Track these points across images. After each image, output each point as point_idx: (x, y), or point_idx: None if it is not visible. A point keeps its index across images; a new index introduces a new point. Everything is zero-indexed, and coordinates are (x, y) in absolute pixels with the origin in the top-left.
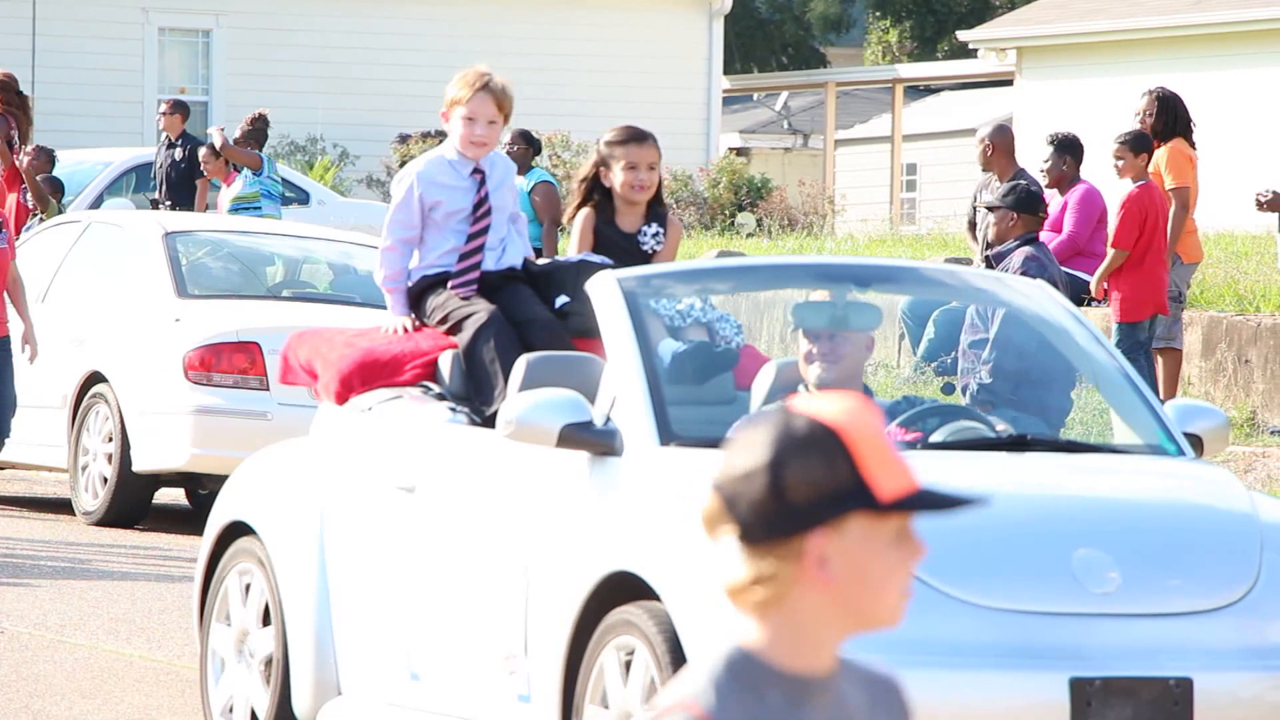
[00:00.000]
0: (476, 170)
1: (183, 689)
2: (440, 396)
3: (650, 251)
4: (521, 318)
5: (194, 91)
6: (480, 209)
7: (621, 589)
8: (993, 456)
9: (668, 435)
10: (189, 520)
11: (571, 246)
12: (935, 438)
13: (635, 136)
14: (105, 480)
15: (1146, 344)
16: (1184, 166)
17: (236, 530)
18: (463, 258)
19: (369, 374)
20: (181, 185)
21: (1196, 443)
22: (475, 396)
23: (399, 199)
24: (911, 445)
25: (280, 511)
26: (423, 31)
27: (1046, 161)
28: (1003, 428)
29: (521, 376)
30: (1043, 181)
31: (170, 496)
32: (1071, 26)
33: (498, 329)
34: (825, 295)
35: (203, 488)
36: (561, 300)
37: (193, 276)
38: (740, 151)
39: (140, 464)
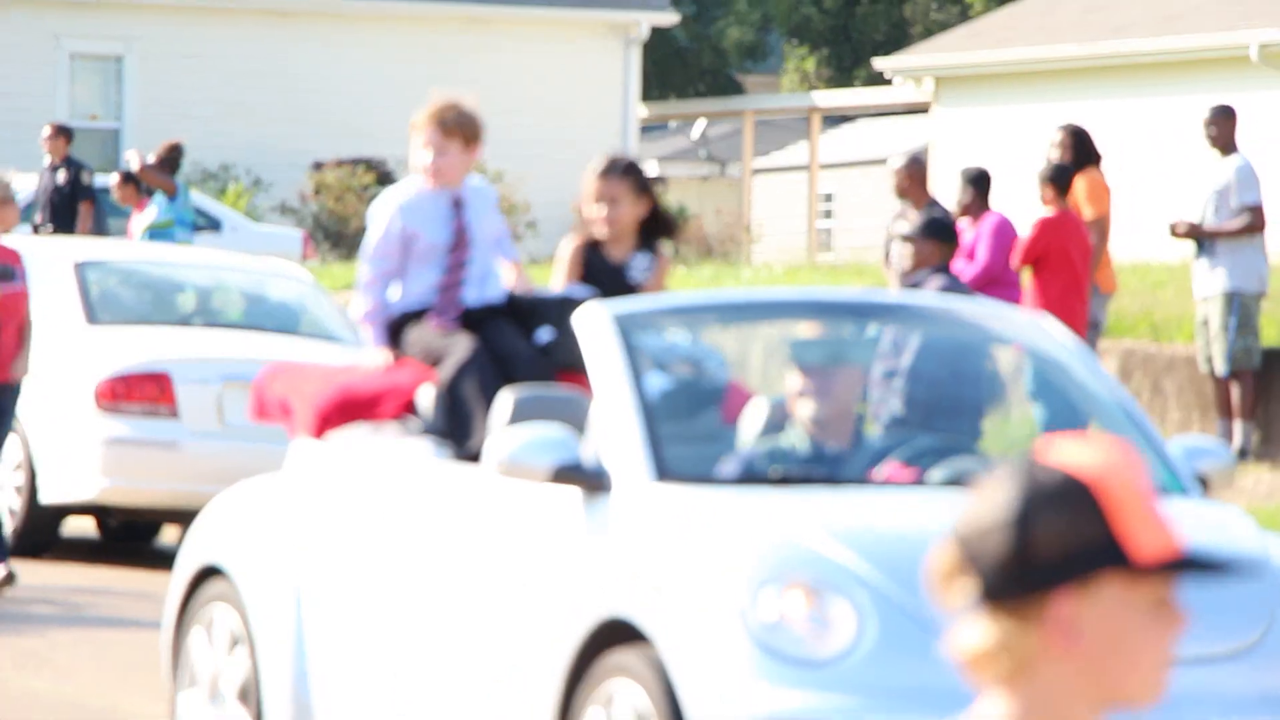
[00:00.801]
0: (456, 201)
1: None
2: (420, 432)
3: (638, 283)
4: (504, 352)
5: (106, 118)
6: (459, 240)
7: (617, 631)
8: None
9: (661, 472)
10: (98, 551)
11: (557, 276)
12: (934, 475)
13: (604, 169)
14: (13, 512)
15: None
16: (1101, 196)
17: (209, 571)
18: (444, 290)
19: (347, 409)
20: (64, 209)
21: (1202, 481)
22: (456, 432)
23: (378, 231)
24: (911, 483)
25: (255, 549)
26: (336, 59)
27: (959, 194)
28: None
29: (508, 412)
30: (954, 212)
31: (80, 528)
32: (987, 55)
33: (479, 364)
34: (816, 329)
35: (112, 518)
36: (545, 334)
37: (103, 304)
38: (657, 179)
39: (48, 496)
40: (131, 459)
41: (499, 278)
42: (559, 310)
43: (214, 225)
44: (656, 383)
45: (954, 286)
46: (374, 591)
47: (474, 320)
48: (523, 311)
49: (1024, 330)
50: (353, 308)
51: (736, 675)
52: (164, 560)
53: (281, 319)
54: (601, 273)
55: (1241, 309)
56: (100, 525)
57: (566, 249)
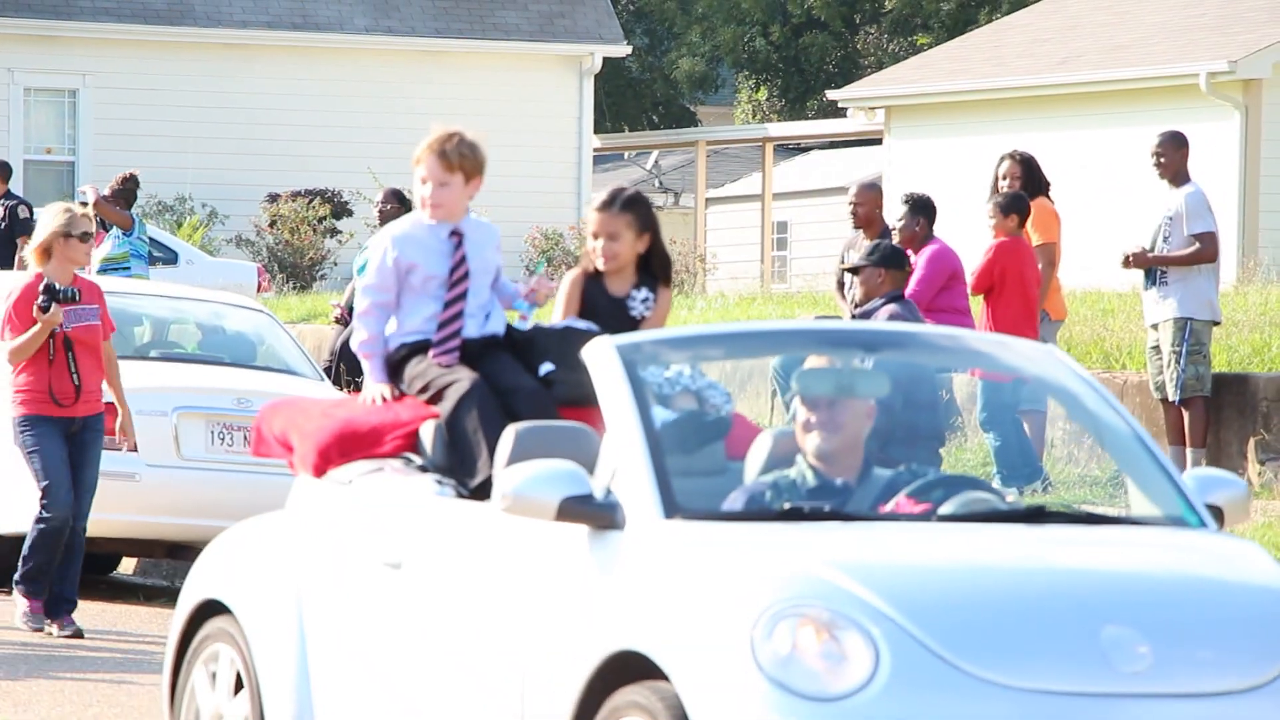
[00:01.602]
0: (454, 233)
1: None
2: (422, 468)
3: (639, 317)
4: (505, 386)
5: (60, 151)
6: (457, 272)
7: (626, 670)
8: (1010, 529)
9: (672, 508)
10: None
11: (557, 310)
12: (945, 509)
13: (601, 203)
14: None
15: (1013, 406)
16: (1050, 224)
17: (209, 609)
18: (443, 325)
19: (348, 445)
20: (1, 245)
21: (1217, 514)
22: (459, 468)
23: (375, 263)
24: (921, 518)
25: (256, 589)
26: (291, 91)
27: (900, 220)
28: (1013, 499)
29: (510, 447)
30: (896, 240)
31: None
32: (938, 86)
33: (481, 398)
34: (823, 361)
35: None
36: (546, 368)
37: None
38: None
39: (5, 526)
40: None
41: (500, 312)
42: (560, 343)
43: (170, 258)
44: (663, 416)
45: (906, 314)
46: (378, 629)
47: (474, 354)
48: (523, 345)
49: (1035, 360)
50: (352, 341)
51: (750, 711)
52: (122, 591)
53: (238, 351)
54: (602, 306)
55: (1192, 336)
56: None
57: (565, 282)
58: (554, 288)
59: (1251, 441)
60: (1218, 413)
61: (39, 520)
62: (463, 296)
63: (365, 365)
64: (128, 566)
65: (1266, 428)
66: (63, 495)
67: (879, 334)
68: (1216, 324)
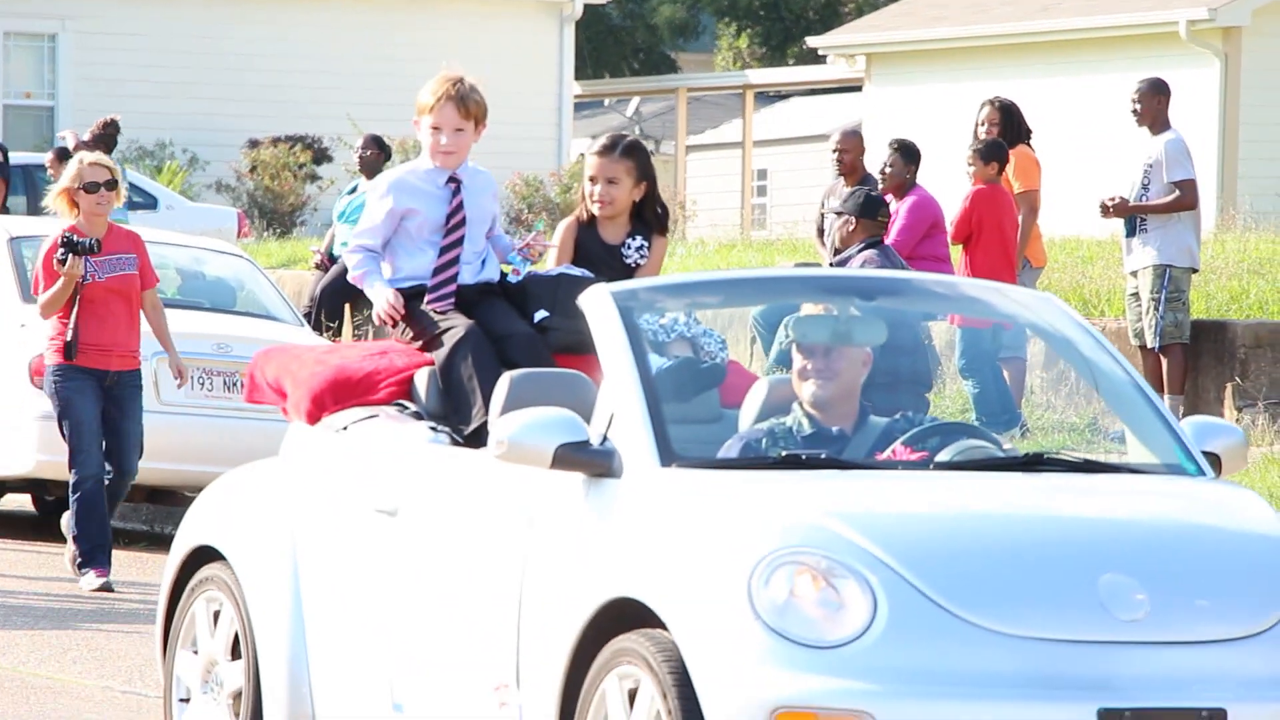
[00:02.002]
0: (452, 179)
1: (28, 695)
2: (416, 415)
3: (634, 265)
4: (500, 333)
5: (40, 96)
6: (454, 218)
7: (621, 617)
8: (1007, 477)
9: (669, 456)
10: (34, 527)
11: (550, 257)
12: (942, 457)
13: (600, 148)
14: None
15: (992, 353)
16: (1031, 171)
17: (203, 555)
18: (438, 271)
19: (341, 392)
20: None
21: (1214, 461)
22: (453, 415)
23: (371, 208)
24: (918, 465)
25: (251, 535)
26: (272, 36)
27: (890, 165)
28: (1010, 446)
29: (504, 395)
30: (882, 185)
31: (16, 503)
32: (919, 33)
33: (475, 345)
34: (819, 309)
35: (49, 493)
36: (540, 314)
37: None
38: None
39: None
40: None
41: (494, 259)
42: (554, 290)
43: (150, 203)
44: (659, 364)
45: (886, 259)
46: (372, 576)
47: (468, 301)
48: (517, 292)
49: (1032, 307)
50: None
51: (747, 658)
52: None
53: (218, 296)
54: (596, 253)
55: (1171, 283)
56: (36, 500)
57: (559, 229)
58: (549, 246)
59: (1229, 388)
60: (1196, 360)
61: (74, 489)
62: (459, 243)
63: (366, 287)
64: None
65: (1244, 375)
66: (93, 456)
67: (875, 281)
68: (1196, 271)
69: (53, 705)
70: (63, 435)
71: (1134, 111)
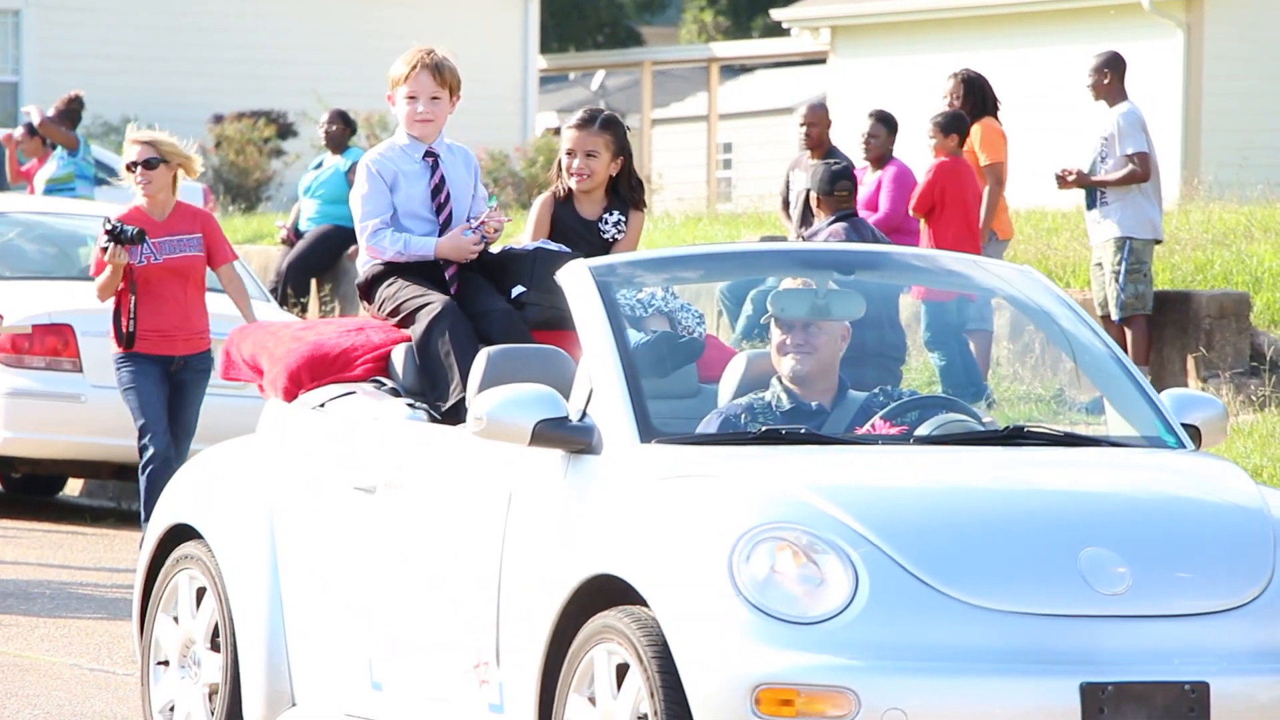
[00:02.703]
0: (429, 154)
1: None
2: (394, 392)
3: (611, 239)
4: (478, 309)
5: (3, 72)
6: (439, 194)
7: (602, 594)
8: (988, 451)
9: (648, 432)
10: (2, 504)
11: (526, 233)
12: (922, 431)
13: (579, 121)
14: None
15: (957, 325)
16: (997, 143)
17: (180, 533)
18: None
19: (318, 368)
20: None
21: (1194, 433)
22: (430, 391)
23: (360, 185)
24: (898, 440)
25: (228, 513)
26: (237, 11)
27: (872, 136)
28: (990, 420)
29: (482, 371)
30: (863, 153)
31: None
32: (883, 5)
33: (452, 320)
34: (797, 283)
35: (15, 471)
36: (517, 290)
37: (4, 258)
38: (557, 131)
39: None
40: (34, 411)
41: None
42: (531, 266)
43: (115, 179)
44: (636, 339)
45: (855, 233)
46: (351, 554)
47: (445, 276)
48: (494, 267)
49: (1011, 280)
50: (360, 264)
51: (728, 635)
52: (68, 513)
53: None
54: (573, 229)
55: (1132, 255)
56: (3, 478)
57: (535, 205)
58: (504, 222)
59: (1192, 359)
60: (1160, 330)
61: (143, 467)
62: (437, 219)
63: (416, 252)
64: (74, 488)
65: (1208, 345)
66: (160, 431)
67: (854, 255)
68: (1159, 242)
69: (20, 683)
70: (133, 417)
71: (1090, 85)
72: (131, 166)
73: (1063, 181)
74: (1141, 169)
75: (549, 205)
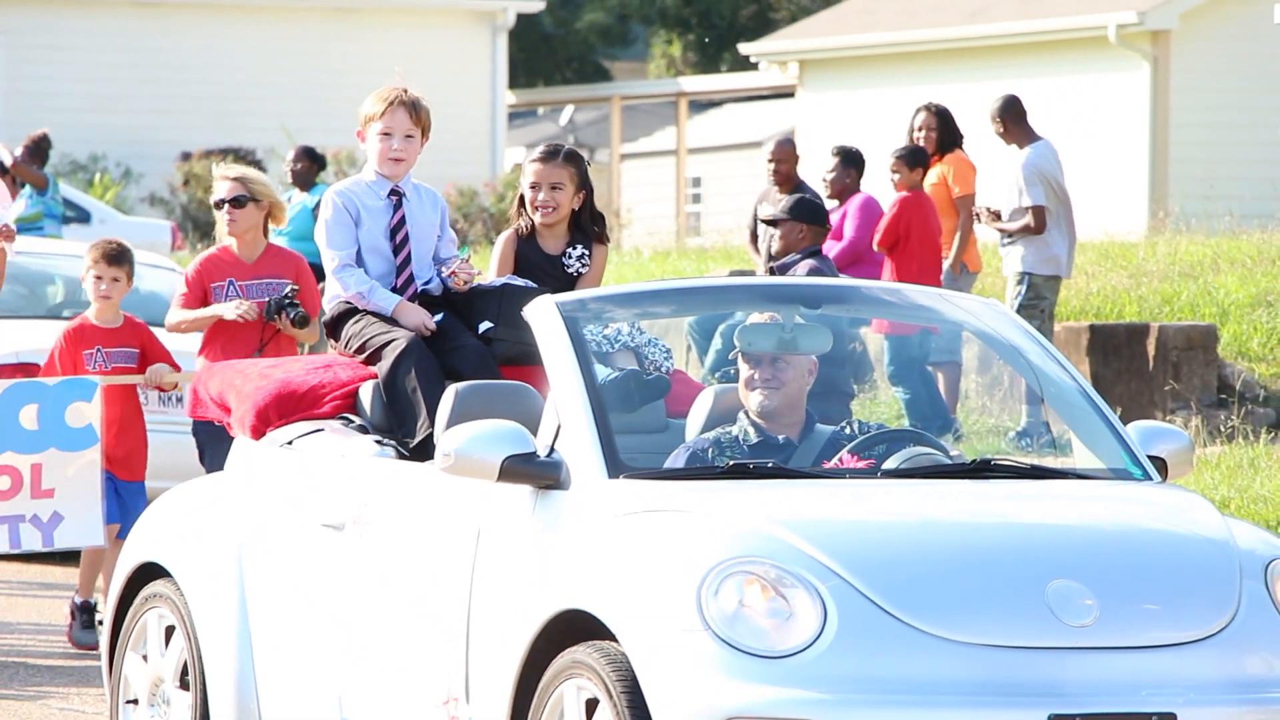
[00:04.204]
0: (394, 192)
1: None
2: (362, 429)
3: (576, 274)
4: (449, 344)
5: None
6: (398, 233)
7: (571, 629)
8: (955, 484)
9: (616, 468)
10: None
11: (491, 270)
12: (889, 464)
13: (542, 154)
14: None
15: (920, 359)
16: (969, 176)
17: (149, 572)
18: (396, 291)
19: (286, 406)
20: None
21: (1160, 465)
22: (398, 428)
23: (326, 220)
24: (866, 474)
25: (196, 551)
26: (205, 49)
27: (831, 172)
28: (957, 453)
29: (450, 407)
30: (824, 191)
31: None
32: (850, 39)
33: (418, 357)
34: (764, 317)
35: None
36: (484, 326)
37: None
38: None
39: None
40: None
41: (435, 273)
42: (498, 302)
43: (83, 217)
44: (604, 374)
45: (824, 268)
46: (319, 591)
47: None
48: (461, 303)
49: (978, 314)
50: (327, 302)
51: (697, 669)
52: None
53: (151, 310)
54: (538, 264)
55: (1030, 290)
56: None
57: (499, 243)
58: (475, 275)
59: (1162, 391)
60: (1128, 363)
61: None
62: (398, 255)
63: (379, 304)
64: None
65: (1176, 378)
66: None
67: (823, 289)
68: (1063, 279)
69: None
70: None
71: (998, 132)
72: (219, 204)
73: (978, 218)
74: (1036, 223)
75: (512, 242)
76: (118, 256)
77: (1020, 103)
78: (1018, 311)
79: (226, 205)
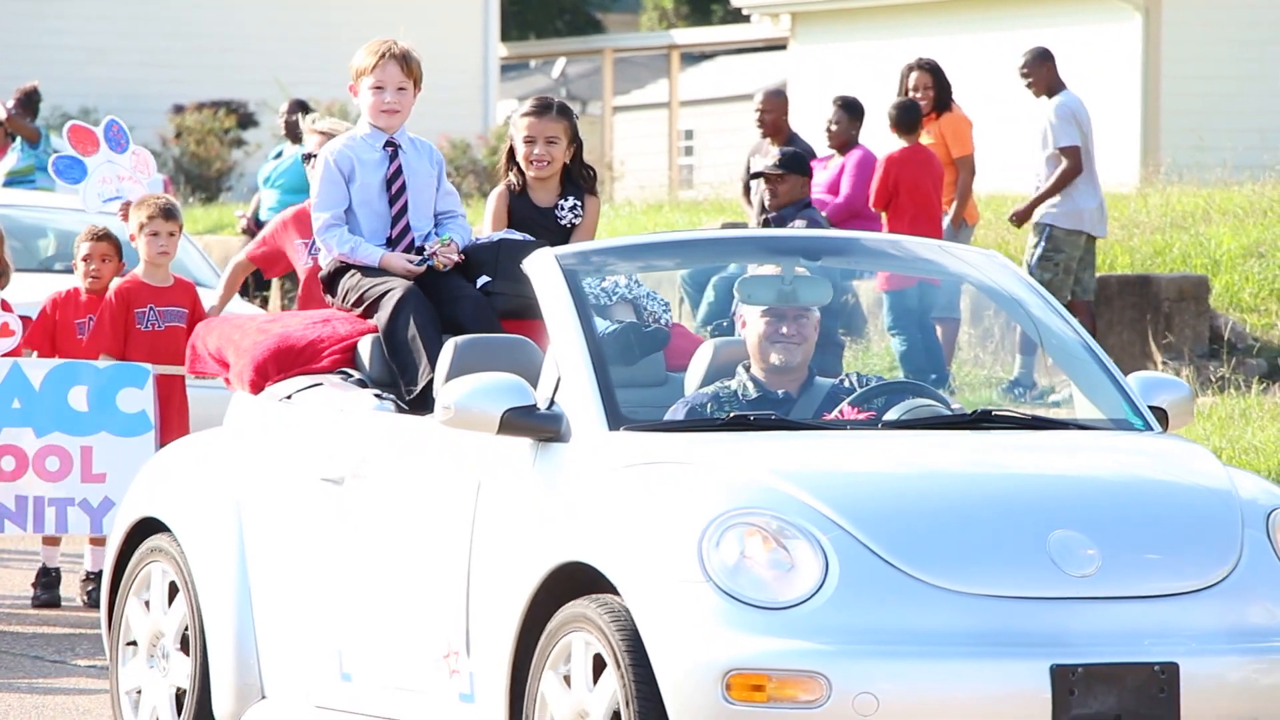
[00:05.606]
0: (390, 144)
1: None
2: (361, 383)
3: (569, 226)
4: (447, 296)
5: None
6: (394, 184)
7: (571, 582)
8: (956, 436)
9: (617, 420)
10: None
11: (485, 225)
12: (889, 416)
13: (535, 109)
14: None
15: (919, 311)
16: (966, 133)
17: (148, 527)
18: (391, 243)
19: (285, 360)
20: None
21: (1161, 416)
22: (400, 377)
23: (320, 177)
24: (866, 425)
25: (195, 506)
26: (196, 2)
27: (835, 124)
28: (958, 405)
29: (449, 361)
30: (826, 141)
31: None
32: None
33: (416, 305)
34: (768, 269)
35: None
36: (483, 280)
37: None
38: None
39: None
40: None
41: (432, 227)
42: (495, 255)
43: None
44: (604, 327)
45: (816, 222)
46: (320, 546)
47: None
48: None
49: (978, 265)
50: (322, 259)
51: (699, 621)
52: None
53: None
54: (530, 218)
55: (1049, 242)
56: None
57: (491, 199)
58: (454, 260)
59: (1154, 342)
60: (1120, 314)
61: None
62: (395, 208)
63: (362, 258)
64: None
65: (1169, 328)
66: None
67: (825, 242)
68: (1090, 236)
69: None
70: None
71: (1026, 83)
72: (308, 158)
73: (1019, 219)
74: (1071, 163)
75: (504, 198)
76: (172, 211)
77: (1051, 54)
78: (1036, 262)
79: (315, 160)
